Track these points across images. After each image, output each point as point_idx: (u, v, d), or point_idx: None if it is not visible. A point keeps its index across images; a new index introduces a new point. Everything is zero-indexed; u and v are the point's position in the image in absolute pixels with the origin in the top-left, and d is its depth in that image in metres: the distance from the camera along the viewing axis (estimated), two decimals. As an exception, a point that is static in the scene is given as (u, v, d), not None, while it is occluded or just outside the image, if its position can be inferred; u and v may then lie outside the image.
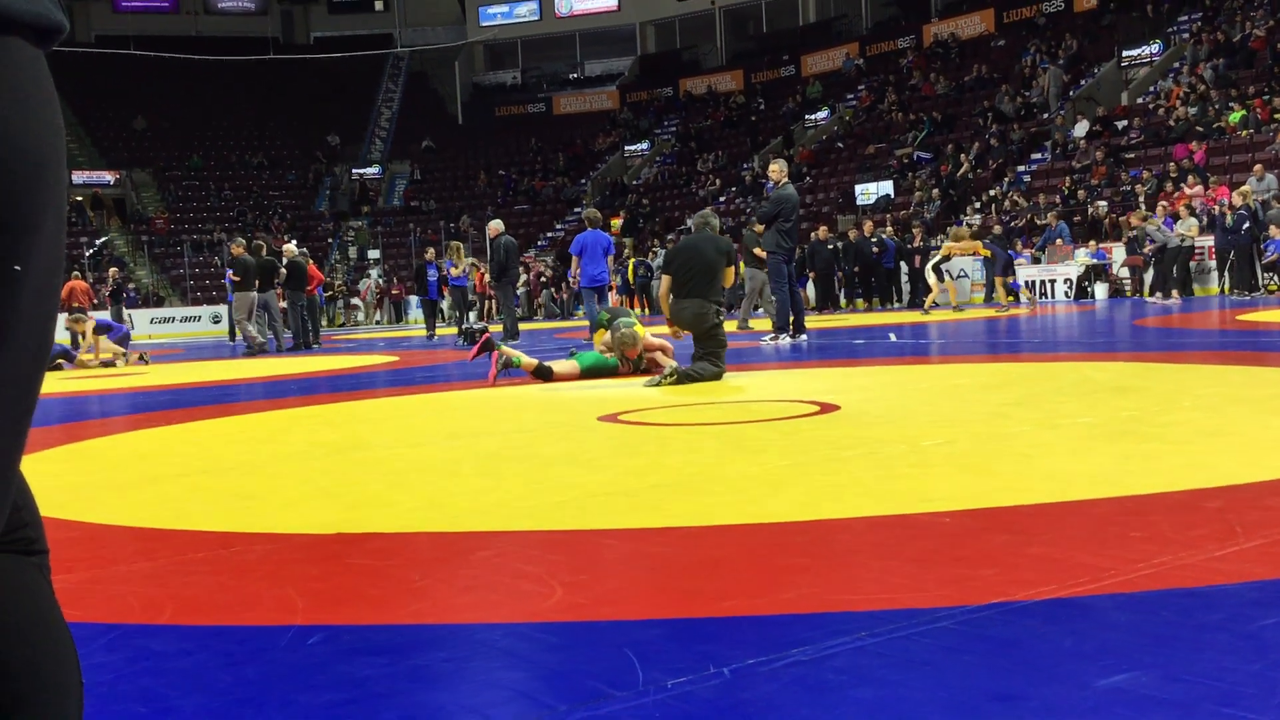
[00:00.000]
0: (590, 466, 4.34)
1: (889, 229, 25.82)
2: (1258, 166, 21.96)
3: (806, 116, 38.28)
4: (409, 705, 1.89)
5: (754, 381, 8.13)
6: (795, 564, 2.70)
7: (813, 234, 24.45)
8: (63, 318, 15.70)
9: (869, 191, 31.14)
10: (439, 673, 2.05)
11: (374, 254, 39.90)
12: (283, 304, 18.31)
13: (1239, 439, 4.13)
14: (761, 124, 39.74)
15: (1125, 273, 21.93)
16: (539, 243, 38.34)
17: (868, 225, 25.27)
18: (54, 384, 11.61)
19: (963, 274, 23.93)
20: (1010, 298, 21.30)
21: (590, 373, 8.59)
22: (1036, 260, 23.42)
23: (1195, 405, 5.12)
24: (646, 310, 27.48)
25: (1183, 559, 2.51)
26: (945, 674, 1.88)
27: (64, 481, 4.66)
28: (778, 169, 12.18)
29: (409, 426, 6.21)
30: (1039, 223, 24.60)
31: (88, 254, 35.77)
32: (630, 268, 28.79)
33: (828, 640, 2.07)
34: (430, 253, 21.31)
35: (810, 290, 23.93)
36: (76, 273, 27.44)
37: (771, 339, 12.05)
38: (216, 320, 32.15)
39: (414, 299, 31.79)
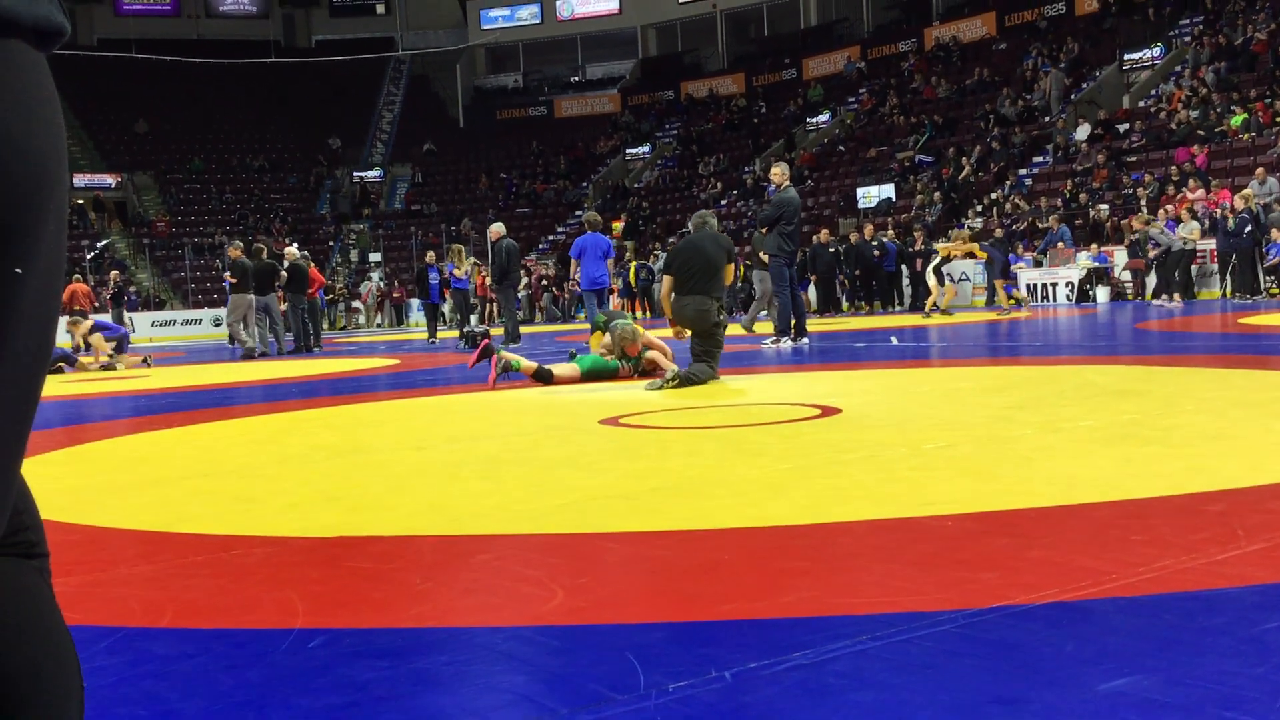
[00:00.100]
0: (591, 469, 4.34)
1: (890, 232, 25.83)
2: (1259, 170, 21.96)
3: (808, 119, 38.30)
4: (410, 708, 1.89)
5: (755, 384, 8.13)
6: (796, 567, 2.69)
7: (814, 237, 24.46)
8: (63, 321, 15.70)
9: (870, 195, 31.15)
10: (440, 676, 2.05)
11: (375, 257, 39.93)
12: (284, 307, 18.31)
13: (1241, 443, 4.13)
14: (763, 127, 39.76)
15: (1127, 276, 21.93)
16: (540, 246, 38.36)
17: (868, 229, 25.28)
18: (55, 387, 11.62)
19: (964, 277, 23.94)
20: (1011, 301, 21.30)
21: (591, 376, 8.59)
22: (1038, 263, 23.42)
23: (1197, 409, 5.12)
24: (648, 313, 27.48)
25: (1184, 563, 2.51)
26: (946, 677, 1.88)
27: (65, 484, 4.66)
28: (779, 172, 12.18)
29: (410, 429, 6.21)
30: (1040, 226, 24.61)
31: (89, 257, 35.79)
32: (632, 271, 28.79)
33: (829, 643, 2.07)
34: (430, 255, 21.31)
35: (811, 293, 23.94)
36: (77, 275, 27.49)
37: (773, 342, 12.05)
38: (217, 323, 32.14)
39: (415, 302, 31.81)
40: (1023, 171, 28.72)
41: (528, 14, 48.52)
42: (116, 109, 43.76)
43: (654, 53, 47.88)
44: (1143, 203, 23.21)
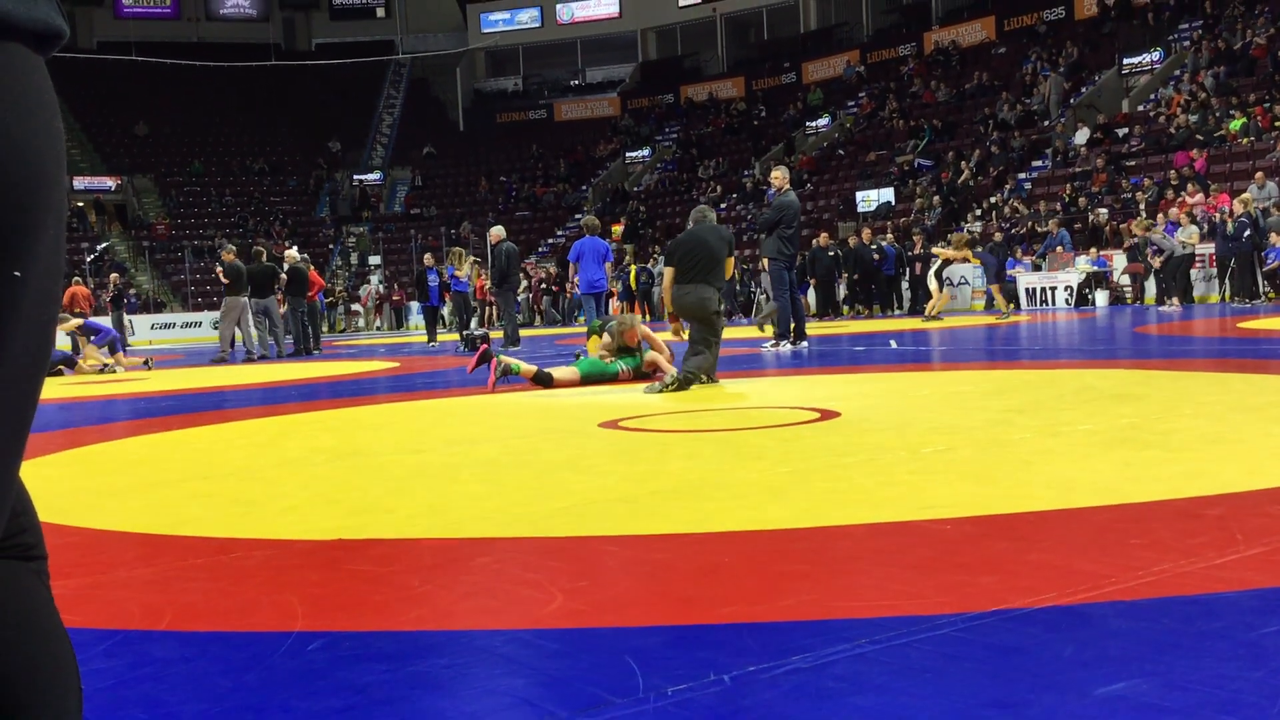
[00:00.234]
0: (590, 473, 4.33)
1: (889, 236, 25.84)
2: (1259, 174, 21.97)
3: (807, 123, 38.33)
4: (409, 712, 1.89)
5: (755, 388, 8.13)
6: (795, 570, 2.69)
7: (814, 241, 24.47)
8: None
9: (870, 198, 31.17)
10: (439, 679, 2.05)
11: (375, 260, 39.94)
12: (283, 310, 18.31)
13: (1240, 447, 4.13)
14: (762, 131, 39.79)
15: (1126, 280, 21.94)
16: (540, 249, 38.38)
17: (866, 232, 25.29)
18: (54, 389, 11.62)
19: (963, 281, 23.95)
20: (1012, 304, 21.31)
21: (590, 379, 8.60)
22: (1037, 267, 23.43)
23: (1196, 413, 5.12)
24: (649, 316, 27.49)
25: (1183, 567, 2.51)
26: (945, 681, 1.88)
27: (64, 487, 4.66)
28: (780, 176, 12.20)
29: (409, 432, 6.21)
30: (1040, 230, 24.62)
31: (89, 259, 35.79)
32: (632, 274, 28.80)
33: (828, 647, 2.07)
34: (429, 258, 21.31)
35: (811, 297, 23.95)
36: (77, 278, 27.49)
37: (772, 345, 12.05)
38: (217, 326, 32.13)
39: (415, 305, 31.81)
40: (1022, 175, 28.74)
41: (528, 17, 48.56)
42: (117, 111, 43.79)
43: (654, 56, 47.92)
44: (1141, 207, 23.21)
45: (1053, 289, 22.44)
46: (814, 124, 38.11)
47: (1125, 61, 30.42)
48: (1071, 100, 30.55)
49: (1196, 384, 6.52)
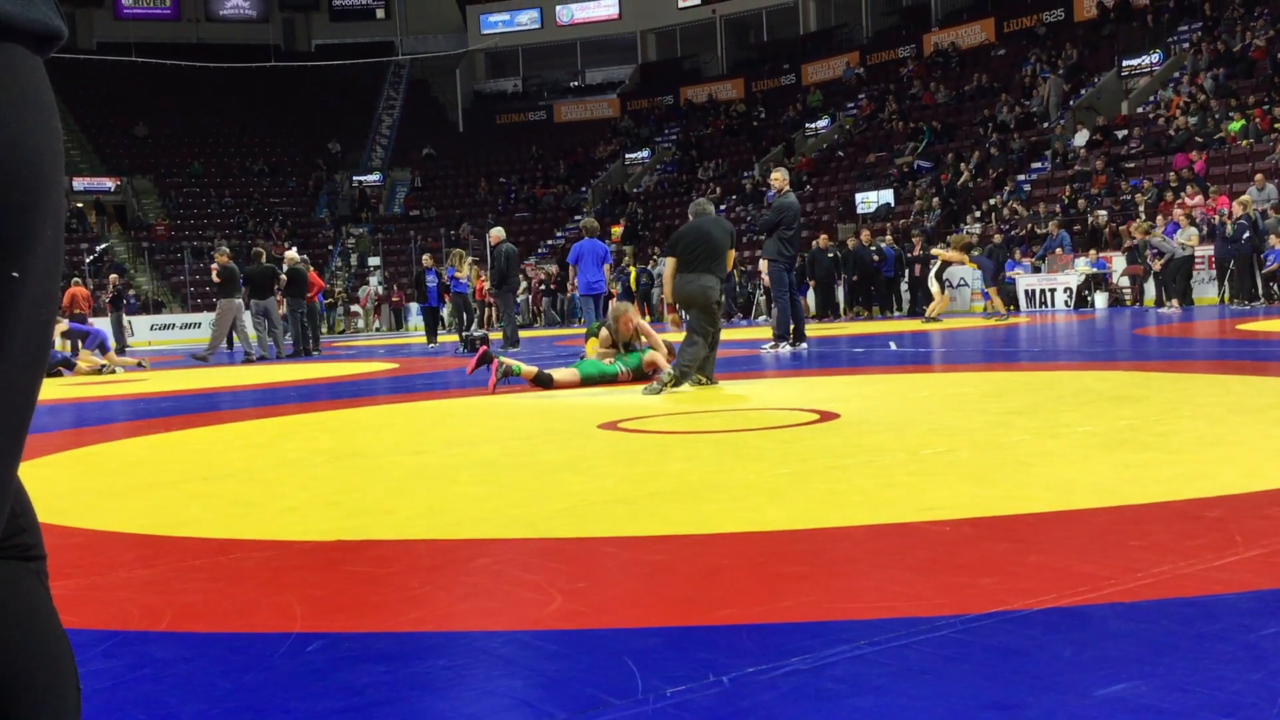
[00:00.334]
0: (590, 474, 4.34)
1: (888, 238, 25.84)
2: (1258, 176, 21.97)
3: (807, 125, 38.33)
4: (408, 713, 1.89)
5: (754, 389, 8.13)
6: (794, 572, 2.69)
7: (813, 242, 24.47)
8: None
9: (869, 200, 31.17)
10: (438, 680, 2.05)
11: (374, 261, 39.94)
12: (283, 311, 18.30)
13: (1239, 448, 4.13)
14: (762, 132, 39.79)
15: (1125, 282, 21.94)
16: (539, 250, 38.38)
17: (865, 234, 25.29)
18: (54, 390, 11.61)
19: (962, 283, 23.95)
20: (1011, 305, 21.30)
21: (590, 380, 8.60)
22: (1036, 269, 23.43)
23: (1195, 415, 5.12)
24: (648, 317, 27.49)
25: (1182, 568, 2.51)
26: (944, 683, 1.88)
27: (63, 487, 4.66)
28: (780, 177, 12.20)
29: (409, 434, 6.21)
30: (1039, 232, 24.62)
31: (88, 260, 35.79)
32: (633, 276, 28.80)
33: (827, 649, 2.07)
34: (428, 259, 21.30)
35: (810, 298, 23.95)
36: (76, 279, 27.46)
37: (771, 347, 12.06)
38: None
39: (414, 306, 31.81)
40: (1021, 177, 28.75)
41: (527, 19, 48.57)
42: (116, 112, 43.79)
43: (653, 58, 47.93)
44: (1141, 209, 23.22)
45: (1052, 291, 22.44)
46: (813, 125, 38.11)
47: (1125, 63, 30.43)
48: (1071, 102, 30.56)
49: (1196, 386, 6.52)
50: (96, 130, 42.88)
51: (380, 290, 37.18)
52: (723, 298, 8.30)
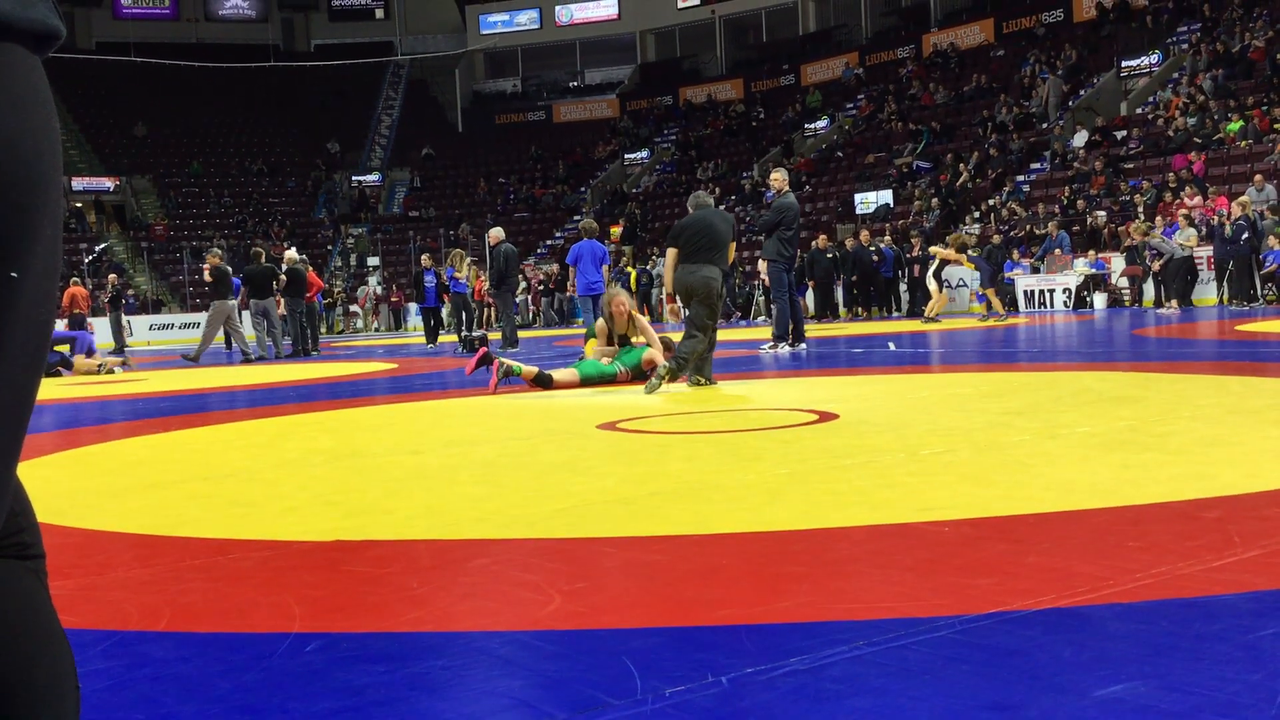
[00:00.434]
0: (589, 474, 4.33)
1: (887, 238, 25.85)
2: (1257, 177, 21.99)
3: (806, 125, 38.35)
4: (407, 713, 1.89)
5: (753, 390, 8.13)
6: (793, 572, 2.69)
7: (812, 243, 24.48)
8: None
9: (868, 200, 31.18)
10: (437, 680, 2.05)
11: (373, 261, 39.94)
12: (282, 311, 18.30)
13: (1237, 449, 4.13)
14: (761, 133, 39.80)
15: (1124, 282, 21.95)
16: (539, 250, 38.38)
17: (864, 235, 25.31)
18: (52, 390, 11.61)
19: (961, 283, 23.94)
20: (1010, 307, 21.30)
21: (590, 380, 8.61)
22: (1036, 270, 23.43)
23: (1194, 415, 5.12)
24: (648, 317, 27.46)
25: (1181, 569, 2.51)
26: (943, 683, 1.88)
27: (61, 487, 4.66)
28: (779, 178, 12.21)
29: (408, 434, 6.21)
30: (1038, 232, 24.63)
31: (87, 260, 35.79)
32: (633, 277, 28.81)
33: (825, 649, 2.07)
34: (426, 259, 21.29)
35: (809, 299, 23.96)
36: (75, 279, 27.45)
37: (770, 347, 12.06)
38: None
39: (414, 306, 31.81)
40: (1020, 178, 28.76)
41: (527, 19, 48.58)
42: (115, 112, 43.78)
43: (652, 58, 47.94)
44: (1140, 210, 23.23)
45: (1051, 291, 22.45)
46: (813, 126, 38.13)
47: (1124, 64, 30.45)
48: (1070, 103, 30.57)
49: (1195, 386, 6.52)
50: (95, 130, 42.87)
51: (379, 290, 37.16)
52: (724, 290, 8.30)
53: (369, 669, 2.10)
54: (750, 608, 2.40)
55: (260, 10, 49.39)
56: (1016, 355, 10.59)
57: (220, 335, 17.93)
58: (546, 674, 2.05)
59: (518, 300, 29.14)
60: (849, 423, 5.49)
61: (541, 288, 32.94)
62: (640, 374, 8.75)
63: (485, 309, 27.29)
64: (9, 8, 0.97)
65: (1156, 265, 20.23)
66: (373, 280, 38.19)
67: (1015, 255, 23.95)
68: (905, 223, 28.45)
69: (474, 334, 17.29)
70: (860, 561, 2.81)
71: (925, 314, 19.25)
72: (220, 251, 18.09)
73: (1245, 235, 18.93)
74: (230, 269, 17.23)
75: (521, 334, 19.78)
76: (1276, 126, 24.41)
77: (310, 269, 20.35)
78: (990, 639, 2.09)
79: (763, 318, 24.20)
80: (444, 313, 24.48)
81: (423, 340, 21.01)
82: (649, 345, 8.98)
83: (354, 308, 37.04)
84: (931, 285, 19.36)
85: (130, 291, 35.02)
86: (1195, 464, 3.88)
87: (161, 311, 36.11)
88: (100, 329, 26.71)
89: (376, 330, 35.73)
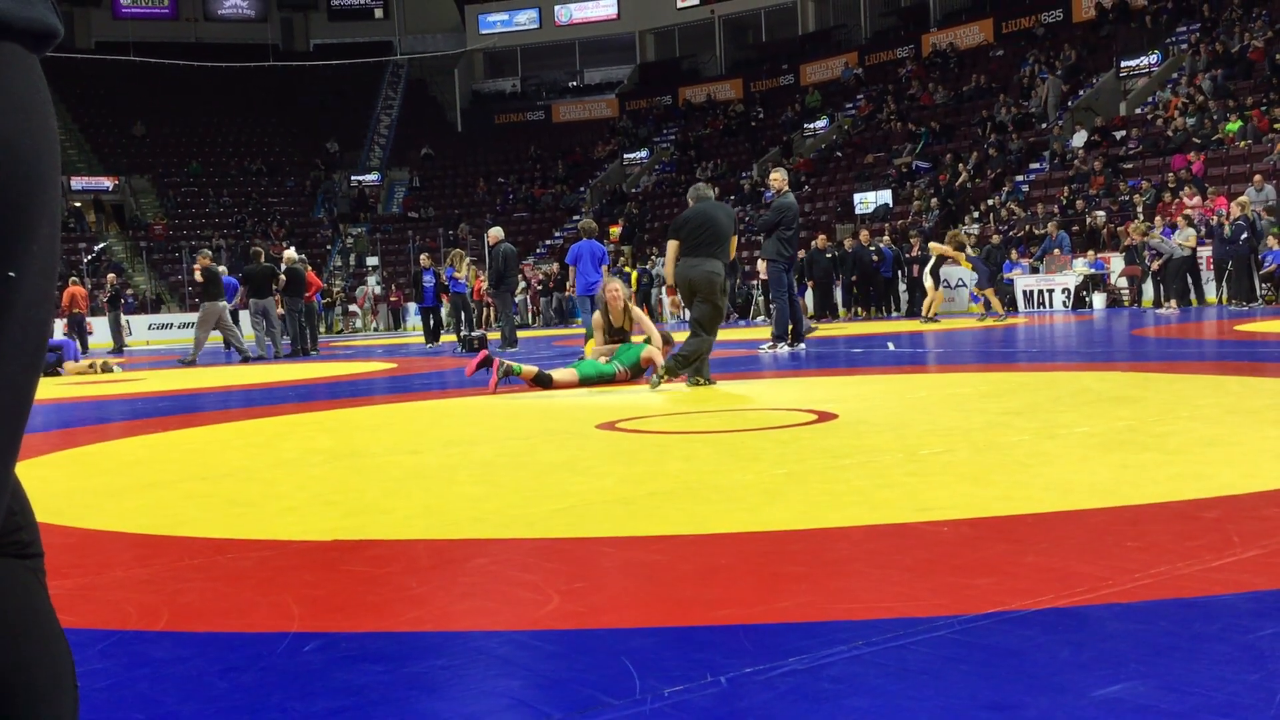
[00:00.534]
0: (588, 474, 4.33)
1: (886, 238, 25.84)
2: (1256, 177, 21.99)
3: (805, 125, 38.34)
4: (406, 712, 1.89)
5: (752, 390, 8.13)
6: (792, 572, 2.69)
7: (812, 243, 24.48)
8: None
9: (868, 200, 31.18)
10: (436, 680, 2.05)
11: (372, 261, 39.93)
12: (280, 310, 18.29)
13: (1237, 449, 4.13)
14: (760, 132, 39.79)
15: (1123, 282, 21.95)
16: (538, 250, 38.38)
17: (864, 235, 25.31)
18: (50, 390, 11.61)
19: (960, 283, 23.95)
20: (1009, 307, 21.29)
21: (589, 380, 8.61)
22: (1035, 270, 23.43)
23: (1193, 415, 5.12)
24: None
25: (1180, 569, 2.51)
26: (942, 683, 1.88)
27: (60, 487, 4.66)
28: (779, 178, 12.20)
29: (407, 433, 6.21)
30: (1037, 232, 24.64)
31: (86, 259, 35.78)
32: (634, 277, 28.81)
33: (824, 649, 2.07)
34: (425, 258, 21.28)
35: (809, 299, 23.95)
36: (74, 278, 27.44)
37: (769, 347, 12.06)
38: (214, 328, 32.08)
39: (413, 305, 31.81)
40: (1019, 178, 28.76)
41: (526, 19, 48.57)
42: (114, 112, 43.77)
43: (652, 58, 47.93)
44: (1139, 209, 23.23)
45: (1050, 291, 22.45)
46: (812, 126, 38.12)
47: (1123, 64, 30.45)
48: (1069, 103, 30.57)
49: (1194, 387, 6.52)
50: (94, 129, 42.86)
51: (378, 290, 37.15)
52: (726, 284, 8.26)
53: (368, 668, 2.10)
54: (749, 608, 2.40)
55: (259, 10, 49.37)
56: (1015, 355, 10.59)
57: (220, 334, 17.91)
58: (545, 674, 2.05)
59: (517, 300, 29.15)
60: (848, 423, 5.49)
61: (541, 287, 32.94)
62: (639, 372, 8.76)
63: (484, 309, 27.30)
64: (8, 7, 0.97)
65: (1156, 265, 20.23)
66: (372, 280, 38.18)
67: (1014, 255, 23.94)
68: (904, 223, 28.45)
69: (473, 334, 17.29)
70: (859, 561, 2.81)
71: (923, 313, 19.25)
72: (210, 252, 18.05)
73: (1244, 235, 18.93)
74: (220, 270, 17.18)
75: (521, 334, 19.77)
76: (1276, 127, 24.42)
77: (309, 269, 20.34)
78: (989, 639, 2.09)
79: (762, 317, 24.20)
80: (443, 313, 24.49)
81: (421, 340, 21.00)
82: (647, 340, 8.99)
83: (353, 307, 37.04)
84: (927, 282, 19.34)
85: (129, 291, 35.02)
86: (1194, 464, 3.88)
87: (160, 311, 36.10)
88: (99, 328, 26.73)
89: (375, 330, 35.73)
